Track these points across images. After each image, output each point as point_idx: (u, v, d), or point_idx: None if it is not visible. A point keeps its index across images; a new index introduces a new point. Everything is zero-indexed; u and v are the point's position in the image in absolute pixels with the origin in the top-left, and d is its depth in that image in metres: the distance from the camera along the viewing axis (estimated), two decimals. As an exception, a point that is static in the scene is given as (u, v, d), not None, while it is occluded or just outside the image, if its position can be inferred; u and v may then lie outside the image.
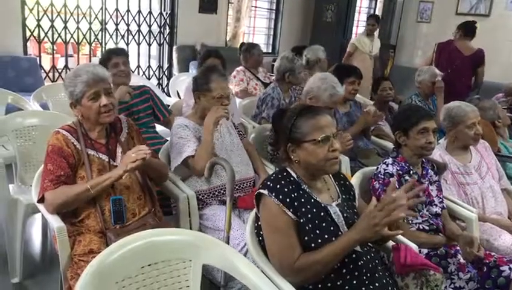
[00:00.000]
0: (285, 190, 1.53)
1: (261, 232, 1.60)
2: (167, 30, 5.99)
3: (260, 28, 7.26)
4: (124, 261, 1.38)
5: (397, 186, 2.05)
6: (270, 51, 7.28)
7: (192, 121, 2.35)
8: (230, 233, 1.93)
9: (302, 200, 1.54)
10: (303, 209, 1.53)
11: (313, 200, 1.57)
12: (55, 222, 1.75)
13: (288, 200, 1.51)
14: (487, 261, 2.00)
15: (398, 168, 2.11)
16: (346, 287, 1.50)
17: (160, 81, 6.16)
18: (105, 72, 1.94)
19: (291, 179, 1.59)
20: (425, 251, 2.03)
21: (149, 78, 5.91)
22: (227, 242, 1.87)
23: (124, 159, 1.85)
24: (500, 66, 4.70)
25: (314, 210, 1.54)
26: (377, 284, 1.53)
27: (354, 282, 1.51)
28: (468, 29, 4.69)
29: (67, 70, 5.12)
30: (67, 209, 1.83)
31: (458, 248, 2.07)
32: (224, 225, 2.03)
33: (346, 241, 1.46)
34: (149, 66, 6.02)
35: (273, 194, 1.52)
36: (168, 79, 5.91)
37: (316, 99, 2.65)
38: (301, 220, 1.51)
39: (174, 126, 2.35)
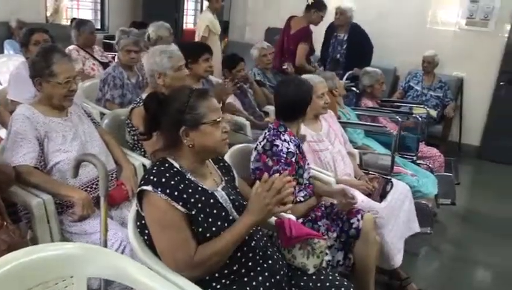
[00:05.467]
0: (172, 182, 1.43)
1: (146, 231, 1.47)
2: (-31, 4, 5.00)
3: (85, 2, 6.60)
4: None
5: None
6: (99, 27, 6.68)
7: (38, 111, 2.02)
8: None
9: (190, 190, 1.46)
10: (192, 200, 1.44)
11: (200, 189, 1.49)
12: None
13: (176, 193, 1.41)
14: (341, 216, 2.19)
15: (295, 144, 2.18)
16: (243, 271, 1.49)
17: (-33, 65, 5.16)
18: None
19: (175, 169, 1.48)
20: (300, 220, 2.14)
21: (-48, 62, 4.89)
22: (105, 246, 1.68)
23: None
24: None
25: (203, 199, 1.48)
26: (270, 262, 1.55)
27: (250, 264, 1.50)
28: (316, 3, 4.44)
29: None
30: None
31: (323, 208, 2.24)
32: (95, 228, 1.85)
33: (242, 227, 1.44)
34: (-50, 47, 4.98)
35: (159, 189, 1.40)
36: (-23, 62, 4.98)
37: (163, 74, 2.43)
38: (192, 212, 1.43)
39: (15, 114, 2.01)
